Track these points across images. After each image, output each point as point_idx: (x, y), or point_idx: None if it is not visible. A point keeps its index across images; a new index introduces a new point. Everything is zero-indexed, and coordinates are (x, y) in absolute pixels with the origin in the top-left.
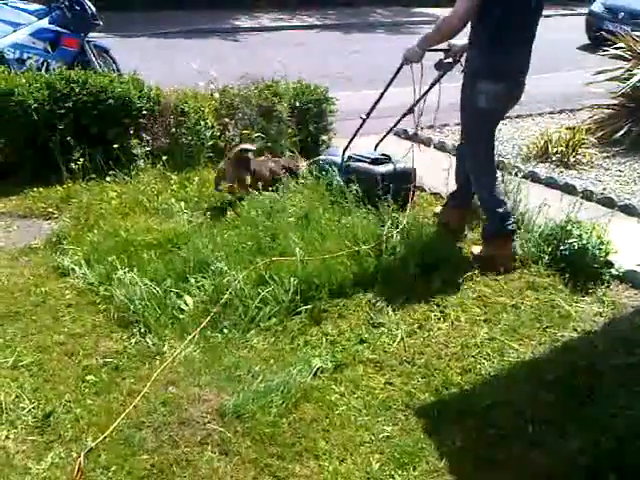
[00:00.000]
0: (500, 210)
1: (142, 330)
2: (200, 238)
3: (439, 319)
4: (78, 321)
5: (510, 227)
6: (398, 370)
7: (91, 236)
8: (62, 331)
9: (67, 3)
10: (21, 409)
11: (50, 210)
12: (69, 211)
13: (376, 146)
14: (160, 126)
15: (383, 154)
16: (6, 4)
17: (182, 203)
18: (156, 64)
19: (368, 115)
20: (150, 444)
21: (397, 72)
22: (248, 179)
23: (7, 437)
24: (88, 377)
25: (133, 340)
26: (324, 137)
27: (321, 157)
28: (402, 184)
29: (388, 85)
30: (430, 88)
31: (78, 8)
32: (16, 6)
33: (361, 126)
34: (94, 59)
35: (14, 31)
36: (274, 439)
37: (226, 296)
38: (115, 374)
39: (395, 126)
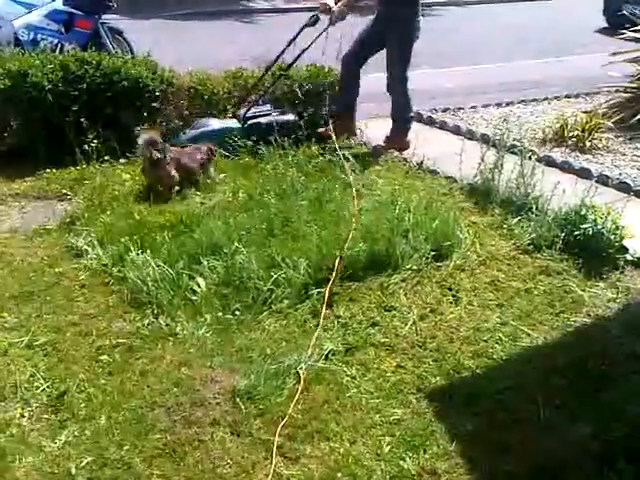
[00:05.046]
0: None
1: (155, 311)
2: (212, 220)
3: (451, 303)
4: (92, 302)
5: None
6: (410, 353)
7: (104, 217)
8: (76, 311)
9: None
10: (35, 388)
11: (64, 191)
12: (83, 192)
13: (254, 86)
14: (174, 108)
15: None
16: None
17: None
18: (170, 46)
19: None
20: (163, 424)
21: (312, 23)
22: (170, 174)
23: (22, 415)
24: (102, 357)
25: (146, 321)
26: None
27: (192, 132)
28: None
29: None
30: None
31: None
32: None
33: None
34: (108, 41)
35: (28, 12)
36: (285, 421)
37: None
38: (128, 354)
39: (275, 62)
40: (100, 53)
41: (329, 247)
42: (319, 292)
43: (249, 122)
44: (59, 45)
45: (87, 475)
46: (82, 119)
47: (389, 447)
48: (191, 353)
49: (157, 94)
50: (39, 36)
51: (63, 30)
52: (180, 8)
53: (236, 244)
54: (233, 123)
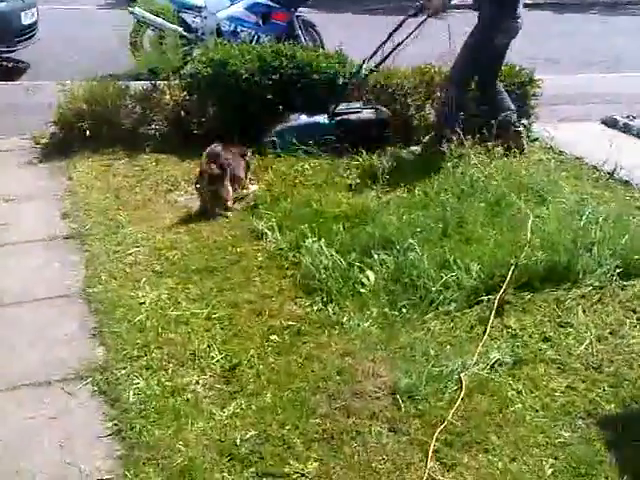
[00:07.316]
0: None
1: (324, 299)
2: (387, 215)
3: (635, 327)
4: (267, 283)
5: None
6: (582, 375)
7: (285, 204)
8: (252, 290)
9: None
10: (211, 358)
11: (250, 177)
12: (267, 179)
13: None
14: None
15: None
16: None
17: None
18: (360, 40)
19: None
20: (323, 409)
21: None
22: (229, 190)
23: (197, 382)
24: (272, 337)
25: (315, 307)
26: (524, 121)
27: (280, 126)
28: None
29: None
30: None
31: None
32: None
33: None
34: (301, 33)
35: (231, 4)
36: (444, 425)
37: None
38: (296, 338)
39: (372, 57)
40: (294, 45)
41: (504, 253)
42: (489, 299)
43: (337, 118)
44: (256, 36)
45: (250, 448)
46: (279, 107)
47: (552, 470)
48: (355, 344)
49: (346, 88)
50: (239, 27)
51: (261, 22)
52: (374, 4)
53: (409, 240)
54: (322, 118)
